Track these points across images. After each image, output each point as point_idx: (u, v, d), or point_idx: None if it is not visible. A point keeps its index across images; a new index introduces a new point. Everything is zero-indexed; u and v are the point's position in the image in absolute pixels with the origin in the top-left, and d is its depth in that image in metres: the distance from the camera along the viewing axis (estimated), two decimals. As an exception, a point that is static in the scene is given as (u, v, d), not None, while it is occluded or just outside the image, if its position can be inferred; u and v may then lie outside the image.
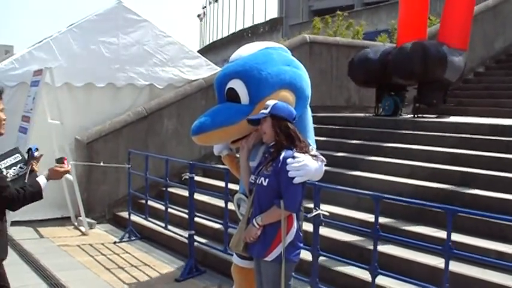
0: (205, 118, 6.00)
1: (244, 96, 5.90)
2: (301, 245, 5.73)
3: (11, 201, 5.23)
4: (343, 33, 28.59)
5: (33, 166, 5.91)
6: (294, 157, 5.35)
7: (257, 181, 5.57)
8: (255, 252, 5.69)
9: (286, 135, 5.46)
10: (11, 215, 11.53)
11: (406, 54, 13.46)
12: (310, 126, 6.56)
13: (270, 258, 5.53)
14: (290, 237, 5.54)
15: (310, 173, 5.46)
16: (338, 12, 31.02)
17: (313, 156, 5.52)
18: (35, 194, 5.39)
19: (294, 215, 5.58)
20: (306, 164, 5.37)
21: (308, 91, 6.39)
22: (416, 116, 14.11)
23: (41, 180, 5.51)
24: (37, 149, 6.06)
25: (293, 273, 7.21)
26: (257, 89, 5.90)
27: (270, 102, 5.57)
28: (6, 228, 5.65)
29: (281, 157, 5.39)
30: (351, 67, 15.08)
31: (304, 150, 5.47)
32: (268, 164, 5.50)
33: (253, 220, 5.55)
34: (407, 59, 13.36)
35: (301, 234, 5.71)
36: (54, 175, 5.68)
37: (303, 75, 6.32)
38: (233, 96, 5.97)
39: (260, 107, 5.79)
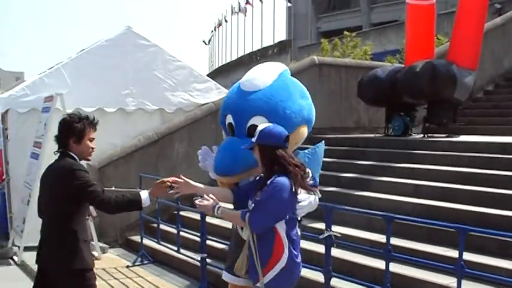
0: (231, 160, 5.89)
1: None
2: (298, 272, 5.53)
3: (104, 204, 5.68)
4: (355, 52, 28.65)
5: None
6: (299, 201, 5.45)
7: (250, 206, 5.49)
8: (251, 277, 5.54)
9: (275, 162, 5.33)
10: (23, 241, 11.60)
11: (415, 73, 13.51)
12: (321, 160, 6.51)
13: (260, 284, 5.35)
14: (282, 263, 5.31)
15: (309, 208, 5.66)
16: (346, 33, 31.11)
17: (309, 188, 5.47)
18: (133, 203, 5.75)
19: (285, 240, 5.34)
20: (310, 202, 5.61)
21: (312, 120, 6.43)
22: (426, 135, 14.13)
23: (143, 194, 5.74)
24: None
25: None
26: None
27: (259, 128, 5.46)
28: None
29: (269, 181, 5.30)
30: (360, 87, 15.12)
31: (299, 176, 5.29)
32: (258, 190, 5.43)
33: (215, 207, 5.42)
34: (416, 78, 13.41)
35: (297, 261, 5.44)
36: (155, 189, 5.81)
37: (312, 106, 6.34)
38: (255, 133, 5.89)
39: None
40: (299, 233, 5.65)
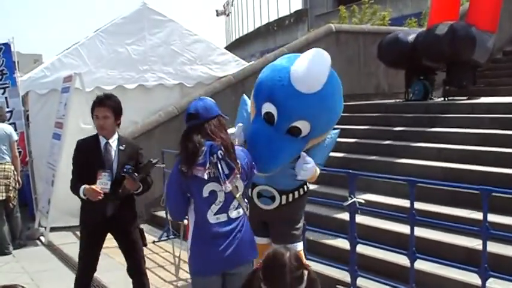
0: (276, 158, 5.83)
1: (304, 134, 5.84)
2: (211, 256, 5.09)
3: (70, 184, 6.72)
4: (374, 20, 28.45)
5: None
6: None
7: None
8: None
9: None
10: (50, 221, 11.70)
11: (434, 35, 13.43)
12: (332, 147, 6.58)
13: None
14: (189, 246, 5.23)
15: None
16: (363, -1, 30.90)
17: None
18: (77, 191, 6.56)
19: (191, 227, 5.23)
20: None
21: None
22: (446, 99, 14.07)
23: (82, 187, 6.52)
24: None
25: (333, 263, 7.26)
26: (318, 132, 5.92)
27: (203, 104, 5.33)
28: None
29: None
30: (381, 49, 15.03)
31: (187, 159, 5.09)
32: None
33: None
34: (435, 40, 13.32)
35: (207, 246, 5.11)
36: (88, 190, 6.49)
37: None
38: (295, 132, 5.82)
39: (311, 143, 5.97)
40: (218, 219, 5.12)
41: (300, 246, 6.40)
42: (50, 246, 11.49)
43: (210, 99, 5.39)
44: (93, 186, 6.34)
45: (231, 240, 5.09)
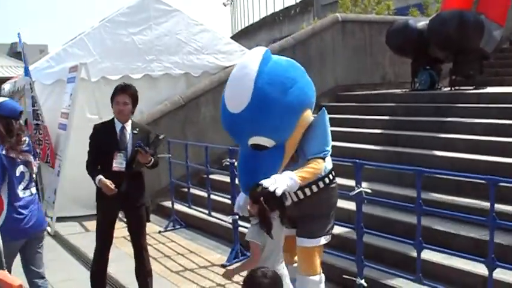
0: (255, 176, 5.44)
1: (270, 144, 5.51)
2: (23, 225, 6.31)
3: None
4: (378, 8, 28.34)
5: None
6: None
7: None
8: None
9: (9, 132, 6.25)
10: (56, 211, 11.69)
11: (442, 20, 13.38)
12: (327, 128, 5.95)
13: None
14: (2, 217, 6.15)
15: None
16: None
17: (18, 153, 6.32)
18: (94, 177, 7.14)
19: (5, 201, 6.19)
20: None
21: (314, 96, 5.99)
22: (453, 88, 14.01)
23: (98, 177, 7.06)
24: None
25: (339, 253, 7.23)
26: (281, 136, 5.56)
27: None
28: None
29: None
30: (389, 34, 14.95)
31: (11, 142, 6.21)
32: None
33: None
34: (443, 24, 13.26)
35: (18, 217, 6.25)
36: (103, 184, 7.03)
37: (306, 84, 5.84)
38: (259, 147, 5.53)
39: (290, 145, 5.64)
40: (25, 194, 6.37)
41: (320, 241, 6.12)
42: (56, 237, 11.49)
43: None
44: (108, 183, 6.92)
45: (33, 211, 6.40)
